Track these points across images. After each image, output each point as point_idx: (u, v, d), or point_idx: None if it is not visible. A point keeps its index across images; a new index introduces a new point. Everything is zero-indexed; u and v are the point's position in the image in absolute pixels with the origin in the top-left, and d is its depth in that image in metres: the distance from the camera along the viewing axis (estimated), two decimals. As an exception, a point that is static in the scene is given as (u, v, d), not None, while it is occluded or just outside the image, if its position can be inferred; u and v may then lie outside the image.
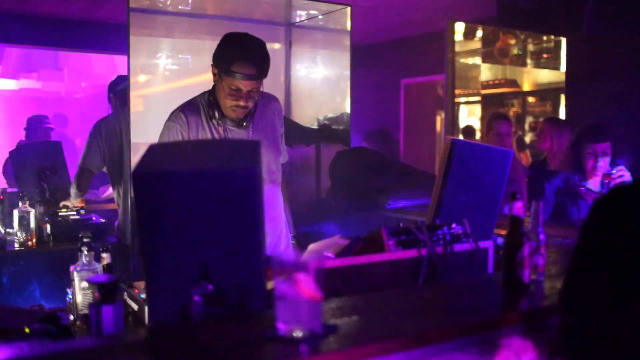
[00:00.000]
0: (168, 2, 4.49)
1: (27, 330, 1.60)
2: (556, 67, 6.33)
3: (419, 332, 1.27)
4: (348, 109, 4.70)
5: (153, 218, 1.45)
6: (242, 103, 2.46)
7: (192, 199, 1.45)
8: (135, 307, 2.05)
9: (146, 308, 2.03)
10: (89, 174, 3.86)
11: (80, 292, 2.10)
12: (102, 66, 7.22)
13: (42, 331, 1.59)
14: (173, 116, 2.54)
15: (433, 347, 1.30)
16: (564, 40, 5.72)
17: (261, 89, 2.55)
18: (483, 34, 6.81)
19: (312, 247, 2.07)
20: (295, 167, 4.49)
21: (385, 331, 1.27)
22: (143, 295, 2.11)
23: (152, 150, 1.54)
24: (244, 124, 2.55)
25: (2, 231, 3.73)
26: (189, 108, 2.55)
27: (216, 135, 2.54)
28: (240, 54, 2.42)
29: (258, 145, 1.55)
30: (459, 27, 6.24)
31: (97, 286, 1.47)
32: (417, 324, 1.34)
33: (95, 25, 4.38)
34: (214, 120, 2.53)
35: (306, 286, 1.18)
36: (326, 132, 4.69)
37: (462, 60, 6.90)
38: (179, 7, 4.62)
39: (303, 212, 3.80)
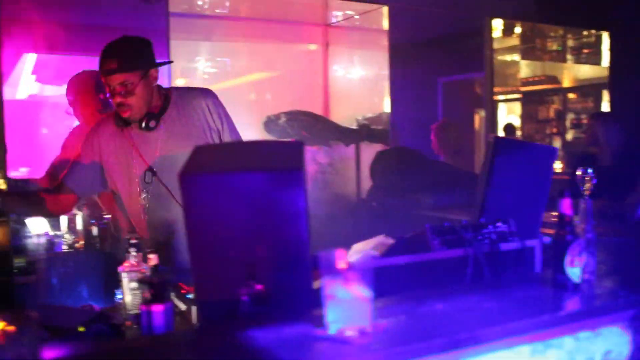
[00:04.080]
0: (206, 6, 4.54)
1: (81, 329, 1.64)
2: (597, 62, 6.21)
3: (469, 331, 1.26)
4: (386, 109, 4.68)
5: (200, 219, 1.46)
6: (118, 99, 2.40)
7: (239, 199, 1.47)
8: (182, 307, 2.07)
9: (193, 308, 2.06)
10: None
11: (129, 293, 2.12)
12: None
13: (96, 330, 1.63)
14: (88, 134, 2.58)
15: (483, 347, 1.29)
16: (605, 35, 5.60)
17: (145, 85, 2.42)
18: (522, 30, 6.73)
19: (356, 246, 2.07)
20: (335, 167, 4.50)
21: (435, 330, 1.26)
22: (190, 296, 2.13)
23: (198, 152, 1.56)
24: (143, 124, 2.47)
25: (51, 233, 3.82)
26: (104, 120, 2.58)
27: (126, 143, 2.52)
28: (103, 52, 2.41)
29: (302, 147, 1.55)
30: (497, 24, 6.17)
31: (149, 286, 1.49)
32: (466, 323, 1.32)
33: (135, 31, 4.41)
34: (123, 127, 2.51)
35: (356, 285, 1.19)
36: (365, 132, 4.69)
37: (500, 57, 6.82)
38: (216, 11, 4.68)
39: (343, 212, 3.80)
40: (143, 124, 2.47)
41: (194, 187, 1.46)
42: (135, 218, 2.60)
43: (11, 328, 1.05)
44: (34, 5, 3.56)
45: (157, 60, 2.50)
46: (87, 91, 3.41)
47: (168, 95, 2.56)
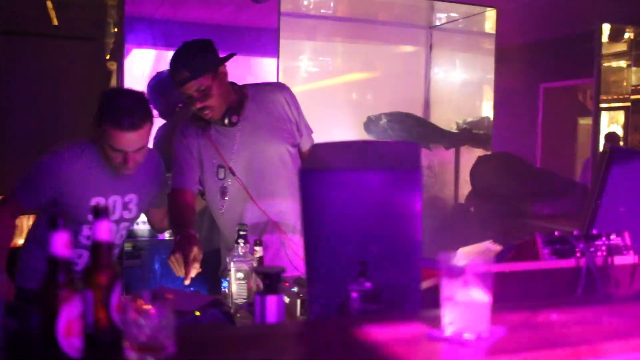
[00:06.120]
0: (311, 6, 4.62)
1: (197, 313, 1.72)
2: None
3: (590, 343, 1.23)
4: (487, 113, 4.61)
5: (317, 215, 1.50)
6: (198, 105, 2.43)
7: (355, 197, 1.49)
8: (286, 300, 2.12)
9: (298, 301, 2.11)
10: None
11: (235, 282, 2.19)
12: (241, 69, 7.53)
13: (211, 316, 1.70)
14: (175, 137, 2.63)
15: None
16: None
17: (215, 85, 2.43)
18: (632, 35, 6.44)
19: (462, 251, 2.05)
20: (433, 170, 4.48)
21: (554, 340, 1.24)
22: (294, 289, 2.18)
23: (317, 149, 1.60)
24: (226, 121, 2.49)
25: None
26: (185, 124, 2.62)
27: (208, 141, 2.55)
28: (173, 63, 2.42)
29: (419, 147, 1.56)
30: (605, 29, 5.93)
31: (263, 276, 1.54)
32: (586, 336, 1.29)
33: (241, 29, 4.54)
34: (204, 128, 2.55)
35: (475, 289, 1.19)
36: (467, 136, 4.63)
37: (606, 63, 6.55)
38: (321, 11, 4.75)
39: (440, 216, 3.77)
40: (226, 120, 2.51)
41: (312, 182, 1.50)
42: (216, 213, 2.67)
43: (148, 307, 1.12)
44: (153, 2, 3.74)
45: (222, 55, 2.52)
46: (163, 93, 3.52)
47: (243, 90, 2.61)
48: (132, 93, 2.31)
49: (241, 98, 2.57)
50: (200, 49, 2.46)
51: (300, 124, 2.65)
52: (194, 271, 2.24)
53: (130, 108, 2.22)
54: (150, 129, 2.31)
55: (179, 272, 2.25)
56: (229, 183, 2.55)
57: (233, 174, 2.54)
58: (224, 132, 2.55)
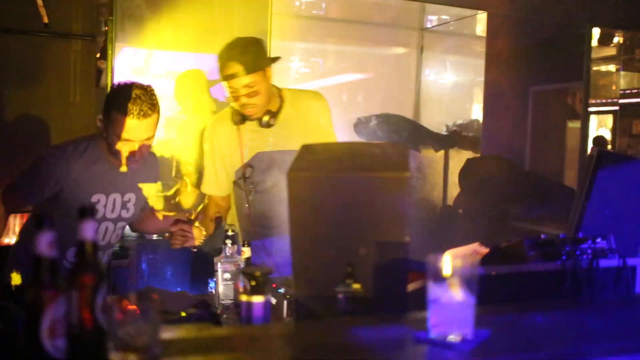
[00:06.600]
0: (303, 7, 4.62)
1: (183, 314, 1.72)
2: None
3: (575, 346, 1.24)
4: (477, 116, 4.63)
5: (305, 217, 1.50)
6: (243, 100, 2.46)
7: (343, 199, 1.50)
8: (273, 301, 2.12)
9: (284, 302, 2.11)
10: None
11: (222, 283, 2.19)
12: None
13: (197, 316, 1.70)
14: (206, 136, 2.68)
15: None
16: None
17: (262, 83, 2.47)
18: (621, 40, 6.49)
19: (450, 252, 2.06)
20: (422, 172, 4.49)
21: (539, 342, 1.25)
22: (281, 290, 2.19)
23: (305, 151, 1.60)
24: (264, 121, 2.53)
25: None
26: (217, 120, 2.67)
27: (238, 139, 2.59)
28: (224, 57, 2.44)
29: (408, 149, 1.57)
30: (595, 33, 5.98)
31: (250, 278, 1.54)
32: (571, 339, 1.30)
33: (238, 29, 4.52)
34: (239, 125, 2.57)
35: (461, 291, 1.19)
36: (456, 138, 4.65)
37: (595, 67, 6.60)
38: (313, 12, 4.75)
39: (428, 218, 3.79)
40: (264, 120, 2.54)
41: (299, 185, 1.50)
42: (240, 209, 2.69)
43: (132, 307, 1.12)
44: (145, 1, 3.73)
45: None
46: (201, 90, 3.55)
47: (281, 93, 2.64)
48: (140, 85, 2.31)
49: (280, 101, 2.61)
50: (254, 46, 2.49)
51: (330, 136, 2.71)
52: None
53: (139, 97, 2.22)
54: (157, 121, 2.31)
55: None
56: (256, 180, 2.58)
57: (245, 178, 2.59)
58: (258, 132, 2.58)
